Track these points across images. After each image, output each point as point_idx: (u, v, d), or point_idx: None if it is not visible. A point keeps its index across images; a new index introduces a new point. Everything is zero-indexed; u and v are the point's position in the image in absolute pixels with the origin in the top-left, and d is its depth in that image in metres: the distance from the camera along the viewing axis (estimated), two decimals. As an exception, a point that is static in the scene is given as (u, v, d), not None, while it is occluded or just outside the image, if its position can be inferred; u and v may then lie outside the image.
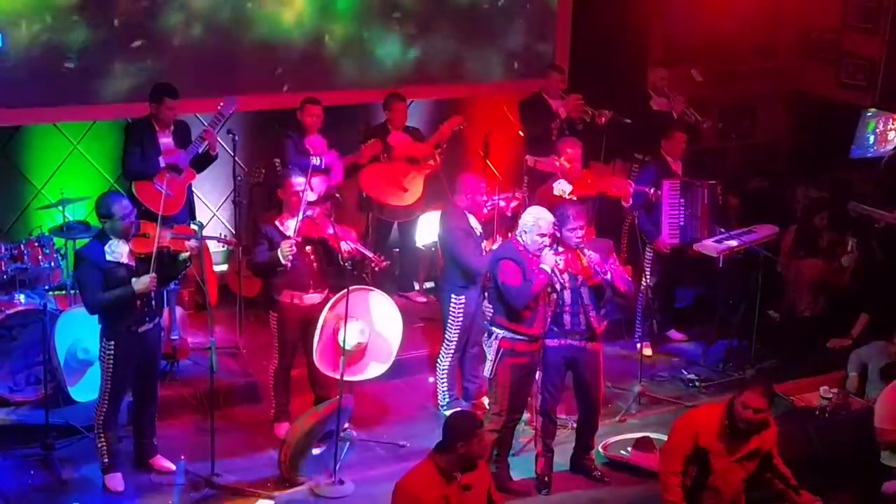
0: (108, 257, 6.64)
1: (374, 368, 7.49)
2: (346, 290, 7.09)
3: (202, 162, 8.27)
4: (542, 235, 6.81)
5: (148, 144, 8.08)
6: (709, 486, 6.14)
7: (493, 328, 6.89)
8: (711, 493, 6.15)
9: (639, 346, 8.71)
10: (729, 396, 6.18)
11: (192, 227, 7.19)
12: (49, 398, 7.41)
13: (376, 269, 7.65)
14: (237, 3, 9.01)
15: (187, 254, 6.85)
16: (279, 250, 7.18)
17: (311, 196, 7.72)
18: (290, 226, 7.33)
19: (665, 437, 6.88)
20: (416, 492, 5.57)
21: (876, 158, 11.47)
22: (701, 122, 9.75)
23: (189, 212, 8.38)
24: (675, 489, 6.11)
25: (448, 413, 7.73)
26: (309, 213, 7.38)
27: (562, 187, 8.29)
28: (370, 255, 7.56)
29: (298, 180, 7.40)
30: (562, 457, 7.33)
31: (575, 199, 8.07)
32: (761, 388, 6.05)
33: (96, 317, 6.83)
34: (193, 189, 9.23)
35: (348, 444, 7.49)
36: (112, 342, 6.78)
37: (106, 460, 7.00)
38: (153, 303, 6.85)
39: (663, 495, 6.18)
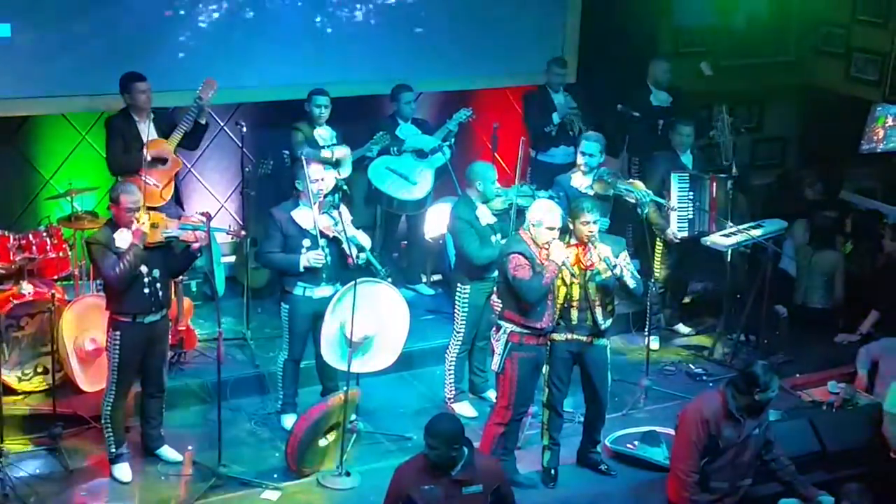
0: (117, 243, 6.67)
1: (381, 360, 7.49)
2: (353, 283, 7.09)
3: (194, 137, 8.17)
4: (551, 228, 6.79)
5: (130, 137, 8.00)
6: (720, 468, 6.25)
7: (502, 322, 6.88)
8: (723, 474, 6.20)
9: (646, 339, 8.70)
10: (726, 381, 6.49)
11: (199, 217, 7.17)
12: (57, 388, 7.42)
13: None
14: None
15: (198, 245, 6.87)
16: (306, 257, 7.20)
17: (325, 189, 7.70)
18: (309, 220, 7.29)
19: (672, 431, 6.89)
20: (405, 480, 5.65)
21: (887, 154, 11.43)
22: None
23: (177, 201, 8.36)
24: (694, 487, 6.19)
25: (451, 408, 7.81)
26: (330, 209, 7.35)
27: (579, 182, 8.31)
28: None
29: (316, 167, 7.38)
30: (568, 450, 7.33)
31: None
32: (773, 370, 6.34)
33: (104, 307, 6.86)
34: (201, 179, 9.25)
35: (355, 436, 7.50)
36: (118, 332, 6.80)
37: (113, 450, 7.01)
38: (160, 293, 6.86)
39: (681, 493, 6.22)
